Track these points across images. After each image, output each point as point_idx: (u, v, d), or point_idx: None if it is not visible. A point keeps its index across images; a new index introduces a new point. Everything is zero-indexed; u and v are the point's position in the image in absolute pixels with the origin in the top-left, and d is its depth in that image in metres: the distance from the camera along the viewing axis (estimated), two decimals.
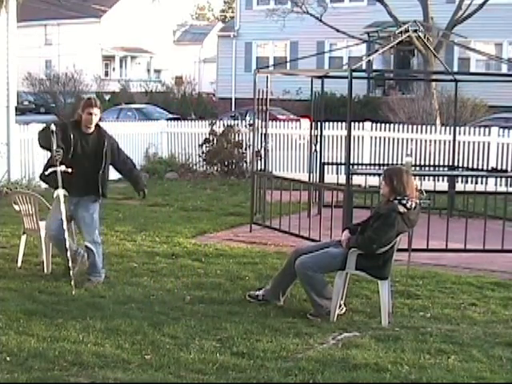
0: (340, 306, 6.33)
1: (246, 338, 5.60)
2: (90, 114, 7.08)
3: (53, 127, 6.87)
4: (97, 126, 7.25)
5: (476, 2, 21.71)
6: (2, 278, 7.30)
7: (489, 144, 14.38)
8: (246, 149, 15.96)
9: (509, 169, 13.75)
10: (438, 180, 13.54)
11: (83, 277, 7.22)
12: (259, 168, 11.15)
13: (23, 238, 7.92)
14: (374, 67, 26.08)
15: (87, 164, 7.16)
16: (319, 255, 6.29)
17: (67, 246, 7.03)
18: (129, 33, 49.43)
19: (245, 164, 16.11)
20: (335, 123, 15.73)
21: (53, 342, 5.44)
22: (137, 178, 7.70)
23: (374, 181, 12.20)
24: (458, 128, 12.91)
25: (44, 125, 7.22)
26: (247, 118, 20.34)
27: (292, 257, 6.53)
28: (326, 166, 12.44)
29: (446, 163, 13.11)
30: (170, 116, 27.09)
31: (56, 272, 7.55)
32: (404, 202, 6.08)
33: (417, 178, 12.10)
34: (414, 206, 6.13)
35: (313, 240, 8.82)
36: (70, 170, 6.99)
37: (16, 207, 7.93)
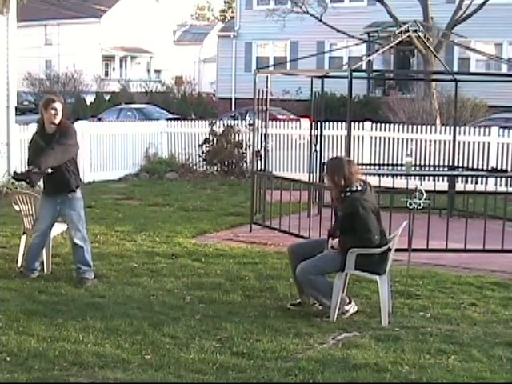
0: (350, 302, 6.33)
1: (246, 338, 5.60)
2: (55, 108, 7.01)
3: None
4: (59, 124, 7.09)
5: (476, 1, 21.72)
6: (2, 278, 7.31)
7: (489, 144, 14.36)
8: (245, 149, 15.95)
9: (509, 169, 13.73)
10: (438, 180, 13.53)
11: (79, 276, 7.24)
12: (259, 168, 11.14)
13: (23, 238, 7.91)
14: (374, 67, 26.06)
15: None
16: (318, 259, 6.30)
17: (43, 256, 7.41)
18: (129, 33, 49.43)
19: (245, 164, 16.10)
20: (335, 123, 15.70)
21: (53, 341, 5.44)
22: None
23: (373, 181, 12.10)
24: (458, 128, 12.89)
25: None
26: (247, 117, 20.31)
27: (291, 258, 6.61)
28: (326, 166, 12.40)
29: (446, 163, 13.10)
30: (170, 116, 27.04)
31: (56, 272, 7.57)
32: (353, 189, 6.18)
33: (417, 177, 12.22)
34: (361, 186, 6.20)
35: None
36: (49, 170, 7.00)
37: (16, 207, 7.93)
